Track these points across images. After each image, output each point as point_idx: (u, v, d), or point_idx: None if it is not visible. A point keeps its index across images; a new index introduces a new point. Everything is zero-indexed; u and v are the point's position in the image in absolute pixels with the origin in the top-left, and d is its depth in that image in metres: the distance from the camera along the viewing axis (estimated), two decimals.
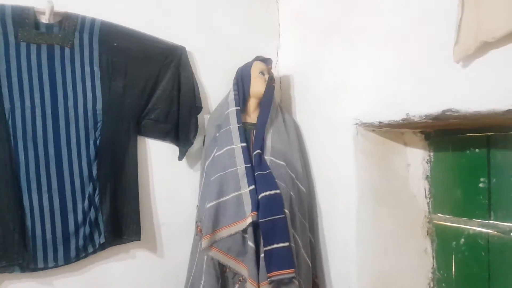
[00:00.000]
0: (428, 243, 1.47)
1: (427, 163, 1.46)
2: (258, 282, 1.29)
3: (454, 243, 1.38)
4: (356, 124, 1.38)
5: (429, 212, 1.47)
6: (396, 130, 1.43)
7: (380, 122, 1.29)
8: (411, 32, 1.15)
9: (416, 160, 1.47)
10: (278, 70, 1.87)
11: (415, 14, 1.13)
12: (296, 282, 1.32)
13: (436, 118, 1.11)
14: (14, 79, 1.29)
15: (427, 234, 1.47)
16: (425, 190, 1.47)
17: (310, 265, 1.46)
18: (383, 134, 1.43)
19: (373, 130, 1.41)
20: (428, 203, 1.47)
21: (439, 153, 1.43)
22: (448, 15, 0.99)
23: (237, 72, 1.61)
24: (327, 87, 1.54)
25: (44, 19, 1.34)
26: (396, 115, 1.21)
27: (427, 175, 1.46)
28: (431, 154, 1.45)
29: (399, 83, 1.20)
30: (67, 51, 1.36)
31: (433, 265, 1.46)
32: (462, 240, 1.35)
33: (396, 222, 1.43)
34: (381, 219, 1.41)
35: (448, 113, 1.05)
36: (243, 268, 1.34)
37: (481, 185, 1.28)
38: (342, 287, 1.48)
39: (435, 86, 1.08)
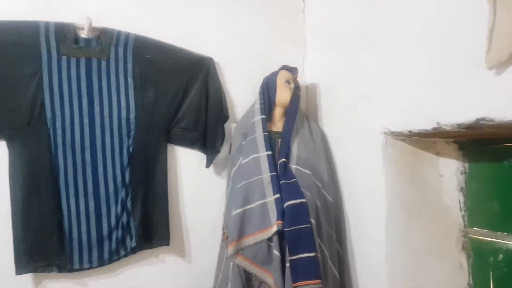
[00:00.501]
0: (464, 258, 1.40)
1: (461, 174, 1.39)
2: None
3: (491, 258, 1.30)
4: (385, 133, 1.35)
5: (464, 225, 1.40)
6: (427, 140, 1.38)
7: (409, 131, 1.25)
8: (443, 38, 1.11)
9: (449, 170, 1.41)
10: (304, 79, 1.87)
11: (447, 20, 1.10)
12: None
13: (469, 127, 1.06)
14: (56, 90, 1.37)
15: (462, 249, 1.40)
16: (459, 203, 1.40)
17: (338, 277, 1.43)
18: (413, 144, 1.39)
19: (403, 139, 1.37)
20: (463, 216, 1.40)
21: (474, 164, 1.37)
22: (480, 21, 0.95)
23: (263, 81, 1.62)
24: (354, 95, 1.51)
25: (83, 34, 1.43)
26: (427, 124, 1.16)
27: (462, 187, 1.39)
28: (466, 164, 1.39)
29: (430, 91, 1.16)
30: (103, 63, 1.44)
31: (469, 281, 1.38)
32: (501, 256, 1.28)
33: (429, 236, 1.38)
34: (412, 232, 1.36)
35: (482, 122, 1.00)
36: (268, 276, 1.34)
37: None
38: None
39: (467, 93, 1.03)
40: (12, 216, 1.30)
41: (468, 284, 1.38)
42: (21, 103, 1.32)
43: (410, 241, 1.35)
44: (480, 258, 1.35)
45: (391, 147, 1.36)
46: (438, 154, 1.43)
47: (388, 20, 1.33)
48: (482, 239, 1.34)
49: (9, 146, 1.32)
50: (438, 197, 1.41)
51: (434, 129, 1.15)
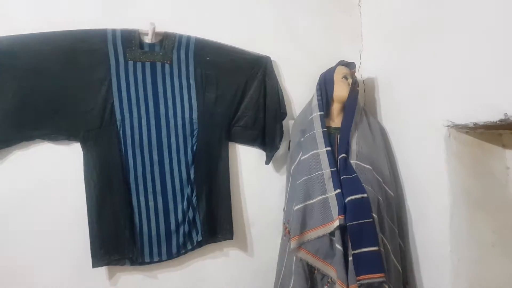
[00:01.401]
0: None
1: None
2: (348, 285, 1.30)
3: None
4: (448, 126, 1.33)
5: None
6: (493, 132, 1.36)
7: (474, 124, 1.23)
8: (509, 26, 1.09)
9: None
10: (361, 73, 1.86)
11: None
12: (387, 287, 1.31)
13: None
14: (124, 94, 1.46)
15: None
16: None
17: (401, 271, 1.44)
18: (478, 136, 1.37)
19: (467, 132, 1.35)
20: None
21: None
22: None
23: (320, 77, 1.64)
24: (414, 88, 1.50)
25: (147, 40, 1.50)
26: (493, 116, 1.15)
27: None
28: None
29: (495, 81, 1.14)
30: (167, 67, 1.51)
31: None
32: None
33: (495, 229, 1.35)
34: (477, 226, 1.34)
35: None
36: (331, 270, 1.36)
37: None
38: None
39: None
40: (87, 213, 1.39)
41: None
42: (93, 107, 1.41)
43: (475, 235, 1.34)
44: None
45: (454, 140, 1.34)
46: (504, 146, 1.40)
47: (451, 11, 1.31)
48: None
49: (83, 147, 1.41)
50: (504, 190, 1.38)
51: (501, 120, 1.13)
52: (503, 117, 1.12)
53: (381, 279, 1.29)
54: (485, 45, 1.18)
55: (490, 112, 1.16)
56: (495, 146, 1.39)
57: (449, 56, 1.32)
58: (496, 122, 1.15)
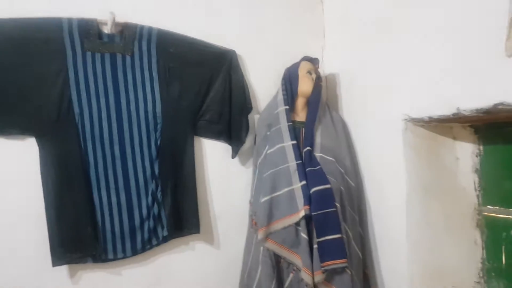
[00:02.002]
0: (478, 234, 1.49)
1: (476, 156, 1.48)
2: (312, 272, 1.36)
3: (504, 233, 1.40)
4: (405, 119, 1.41)
5: (478, 204, 1.49)
6: (445, 125, 1.46)
7: (429, 117, 1.31)
8: (461, 27, 1.17)
9: (465, 153, 1.49)
10: (324, 69, 1.91)
11: (466, 8, 1.15)
12: (349, 272, 1.38)
13: (487, 112, 1.13)
14: (82, 86, 1.39)
15: (477, 226, 1.49)
16: (474, 183, 1.49)
17: (361, 256, 1.52)
18: (432, 129, 1.46)
19: (422, 125, 1.44)
20: (477, 195, 1.49)
21: (489, 147, 1.45)
22: (500, 10, 1.01)
23: (284, 72, 1.66)
24: (374, 83, 1.57)
25: (106, 30, 1.43)
26: (447, 110, 1.23)
27: (477, 169, 1.48)
28: (481, 147, 1.47)
29: (449, 78, 1.22)
30: (128, 59, 1.46)
31: (483, 255, 1.48)
32: None
33: (446, 215, 1.47)
34: (430, 212, 1.44)
35: (499, 106, 1.07)
36: (297, 258, 1.41)
37: None
38: (392, 279, 1.52)
39: (486, 80, 1.10)
40: (45, 210, 1.32)
41: (482, 258, 1.49)
42: (49, 100, 1.33)
43: (429, 221, 1.44)
44: (493, 234, 1.45)
45: (411, 133, 1.42)
46: (455, 138, 1.50)
47: (410, 11, 1.38)
48: (495, 216, 1.44)
49: (39, 142, 1.33)
50: (455, 179, 1.50)
51: (454, 114, 1.22)
52: (455, 111, 1.20)
53: (344, 265, 1.37)
54: (439, 43, 1.25)
55: (444, 107, 1.24)
56: (447, 138, 1.49)
57: (407, 54, 1.39)
58: (449, 116, 1.24)
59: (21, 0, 1.34)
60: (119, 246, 1.44)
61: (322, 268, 1.35)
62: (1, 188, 1.31)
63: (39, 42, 1.32)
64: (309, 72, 1.61)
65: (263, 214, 1.42)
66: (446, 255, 1.46)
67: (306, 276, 1.36)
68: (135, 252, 1.47)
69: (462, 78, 1.18)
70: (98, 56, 1.42)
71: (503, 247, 1.42)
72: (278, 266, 1.45)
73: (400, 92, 1.42)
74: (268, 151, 1.52)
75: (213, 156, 1.66)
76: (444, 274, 1.46)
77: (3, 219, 1.31)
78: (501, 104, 1.06)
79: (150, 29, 1.50)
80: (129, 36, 1.46)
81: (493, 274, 1.45)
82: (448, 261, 1.46)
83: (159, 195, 1.49)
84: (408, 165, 1.42)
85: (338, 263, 1.36)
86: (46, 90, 1.34)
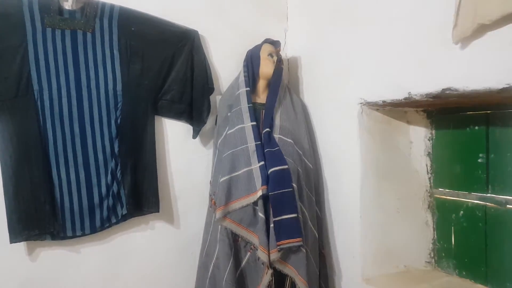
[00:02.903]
0: (429, 216, 1.55)
1: (429, 140, 1.53)
2: (269, 250, 1.39)
3: (453, 215, 1.46)
4: (361, 103, 1.45)
5: (430, 186, 1.55)
6: (399, 109, 1.50)
7: (383, 101, 1.36)
8: (413, 15, 1.21)
9: (418, 137, 1.55)
10: (286, 52, 1.93)
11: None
12: (304, 250, 1.42)
13: (436, 96, 1.17)
14: (42, 63, 1.38)
15: (428, 208, 1.55)
16: (426, 166, 1.54)
17: (317, 236, 1.56)
18: (386, 113, 1.50)
19: (377, 109, 1.48)
20: (429, 178, 1.55)
21: (441, 131, 1.50)
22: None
23: (247, 54, 1.67)
24: (333, 68, 1.60)
25: (67, 6, 1.42)
26: (399, 94, 1.27)
27: (429, 152, 1.53)
28: (433, 132, 1.52)
29: (402, 64, 1.27)
30: (89, 36, 1.45)
31: (434, 236, 1.54)
32: (461, 212, 1.43)
33: (399, 197, 1.52)
34: (383, 194, 1.49)
35: (447, 91, 1.11)
36: (254, 237, 1.44)
37: (480, 160, 1.36)
38: (347, 258, 1.57)
39: (435, 66, 1.14)
40: (3, 187, 1.32)
41: (433, 239, 1.55)
42: (7, 76, 1.33)
43: (382, 202, 1.49)
44: (444, 215, 1.51)
45: (366, 116, 1.47)
46: (408, 122, 1.55)
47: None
48: (445, 198, 1.50)
49: None
50: (408, 162, 1.55)
51: (405, 98, 1.26)
52: (407, 95, 1.25)
53: (299, 243, 1.39)
54: (393, 30, 1.29)
55: (396, 91, 1.29)
56: (401, 122, 1.54)
57: (363, 39, 1.43)
58: (401, 100, 1.28)
59: None
60: (77, 223, 1.45)
61: (278, 247, 1.38)
62: None
63: None
64: (270, 55, 1.63)
65: (221, 194, 1.44)
66: (398, 235, 1.51)
67: (262, 254, 1.39)
68: (94, 230, 1.48)
69: (413, 64, 1.23)
70: (58, 33, 1.41)
71: (453, 228, 1.48)
72: (235, 244, 1.48)
73: (357, 76, 1.46)
74: (228, 132, 1.53)
75: (174, 136, 1.67)
76: (396, 254, 1.52)
77: None
78: (449, 89, 1.10)
79: (111, 6, 1.49)
80: (90, 13, 1.45)
81: (443, 254, 1.51)
82: (400, 242, 1.52)
83: (118, 173, 1.49)
84: (363, 148, 1.46)
85: (294, 242, 1.39)
86: (4, 66, 1.33)
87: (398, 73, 1.28)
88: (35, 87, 1.37)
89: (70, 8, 1.42)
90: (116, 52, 1.49)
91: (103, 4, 1.48)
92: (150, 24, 1.56)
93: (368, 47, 1.41)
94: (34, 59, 1.37)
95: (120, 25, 1.50)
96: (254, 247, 1.46)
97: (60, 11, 1.41)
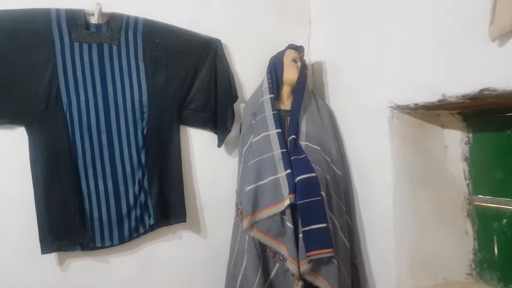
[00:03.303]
0: (469, 224, 1.46)
1: (465, 144, 1.44)
2: (298, 261, 1.34)
3: (496, 224, 1.37)
4: (391, 107, 1.39)
5: (469, 193, 1.46)
6: (432, 112, 1.43)
7: (415, 104, 1.29)
8: (444, 12, 1.15)
9: (454, 141, 1.46)
10: (310, 57, 1.89)
11: None
12: (335, 261, 1.36)
13: (473, 98, 1.11)
14: (70, 76, 1.41)
15: (467, 216, 1.46)
16: (464, 172, 1.46)
17: (348, 246, 1.50)
18: (418, 116, 1.43)
19: (408, 113, 1.41)
20: (467, 184, 1.46)
21: (478, 134, 1.41)
22: None
23: (270, 61, 1.66)
24: (360, 71, 1.55)
25: (93, 20, 1.46)
26: (432, 97, 1.21)
27: (466, 157, 1.44)
28: (470, 135, 1.43)
29: (434, 64, 1.20)
30: (114, 48, 1.48)
31: (474, 246, 1.45)
32: (504, 220, 1.34)
33: (435, 204, 1.44)
34: (418, 201, 1.42)
35: (485, 92, 1.04)
36: (282, 247, 1.40)
37: None
38: (380, 269, 1.50)
39: (471, 65, 1.08)
40: (35, 199, 1.35)
41: (474, 249, 1.45)
42: (37, 89, 1.36)
43: (417, 209, 1.41)
44: (485, 224, 1.42)
45: (397, 120, 1.40)
46: (442, 126, 1.47)
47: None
48: (486, 206, 1.40)
49: (28, 131, 1.36)
50: (443, 167, 1.46)
51: (439, 101, 1.20)
52: (441, 98, 1.18)
53: (330, 254, 1.35)
54: (423, 29, 1.23)
55: (429, 94, 1.22)
56: (434, 126, 1.46)
57: (392, 40, 1.37)
58: (435, 102, 1.22)
59: None
60: (106, 234, 1.46)
61: (308, 258, 1.34)
62: None
63: (28, 33, 1.35)
64: (294, 61, 1.60)
65: (248, 203, 1.41)
66: (436, 245, 1.43)
67: (291, 265, 1.35)
68: (122, 240, 1.48)
69: (446, 64, 1.16)
70: (85, 46, 1.44)
71: (495, 237, 1.38)
72: (264, 255, 1.44)
73: (386, 79, 1.40)
74: (253, 140, 1.51)
75: (199, 145, 1.67)
76: (434, 265, 1.43)
77: None
78: (487, 89, 1.04)
79: (136, 19, 1.51)
80: (116, 26, 1.48)
81: (485, 265, 1.41)
82: (438, 252, 1.43)
83: (145, 183, 1.50)
84: (394, 153, 1.39)
85: (324, 252, 1.34)
86: (35, 80, 1.37)
87: (430, 74, 1.22)
88: (64, 100, 1.41)
89: (96, 22, 1.46)
90: (141, 64, 1.51)
91: (128, 17, 1.50)
92: (173, 35, 1.57)
93: (397, 47, 1.35)
94: (62, 73, 1.40)
95: (145, 36, 1.52)
96: (282, 258, 1.42)
97: (87, 25, 1.45)
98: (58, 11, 1.40)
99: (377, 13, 1.44)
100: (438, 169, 1.45)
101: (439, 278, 1.43)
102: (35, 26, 1.37)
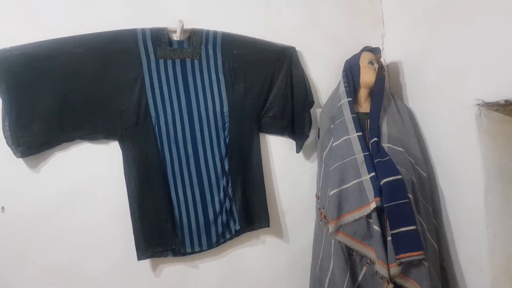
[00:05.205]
0: None
1: None
2: (388, 264, 1.33)
3: None
4: (478, 104, 1.35)
5: None
6: None
7: (506, 101, 1.25)
8: None
9: None
10: (385, 57, 1.88)
11: None
12: (426, 264, 1.34)
13: None
14: (157, 91, 1.49)
15: None
16: None
17: (437, 248, 1.47)
18: (508, 113, 1.38)
19: (497, 110, 1.36)
20: None
21: None
22: None
23: (345, 64, 1.66)
24: (442, 69, 1.52)
25: (176, 37, 1.53)
26: None
27: None
28: None
29: None
30: (196, 63, 1.55)
31: None
32: None
33: None
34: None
35: None
36: (370, 251, 1.40)
37: None
38: (472, 271, 1.45)
39: None
40: (130, 208, 1.44)
41: None
42: (128, 105, 1.45)
43: (510, 210, 1.36)
44: None
45: (485, 118, 1.36)
46: None
47: None
48: None
49: (121, 145, 1.45)
50: None
51: None
52: None
53: (420, 257, 1.32)
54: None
55: None
56: None
57: (477, 34, 1.34)
58: None
59: (101, 15, 1.48)
60: (195, 240, 1.52)
61: (398, 261, 1.32)
62: (90, 189, 1.45)
63: (117, 52, 1.44)
64: (371, 62, 1.60)
65: (332, 207, 1.42)
66: None
67: (381, 268, 1.34)
68: (210, 245, 1.54)
69: None
70: (169, 63, 1.52)
71: None
72: (350, 258, 1.44)
73: (471, 75, 1.37)
74: (334, 144, 1.52)
75: (278, 152, 1.70)
76: None
77: (92, 217, 1.45)
78: None
79: (215, 33, 1.58)
80: (197, 41, 1.55)
81: None
82: None
83: (230, 190, 1.55)
84: (484, 152, 1.35)
85: (415, 255, 1.32)
86: (125, 97, 1.45)
87: None
88: (153, 114, 1.49)
89: (178, 39, 1.54)
90: (221, 76, 1.57)
91: (207, 32, 1.57)
92: (249, 46, 1.63)
93: (484, 41, 1.31)
94: (150, 89, 1.49)
95: (223, 49, 1.58)
96: (370, 261, 1.41)
97: (170, 42, 1.53)
98: (143, 30, 1.48)
99: (460, 6, 1.40)
100: None
101: None
102: (124, 46, 1.45)
